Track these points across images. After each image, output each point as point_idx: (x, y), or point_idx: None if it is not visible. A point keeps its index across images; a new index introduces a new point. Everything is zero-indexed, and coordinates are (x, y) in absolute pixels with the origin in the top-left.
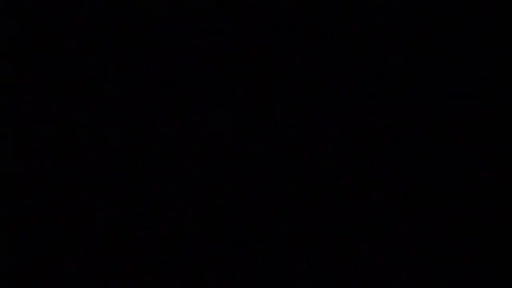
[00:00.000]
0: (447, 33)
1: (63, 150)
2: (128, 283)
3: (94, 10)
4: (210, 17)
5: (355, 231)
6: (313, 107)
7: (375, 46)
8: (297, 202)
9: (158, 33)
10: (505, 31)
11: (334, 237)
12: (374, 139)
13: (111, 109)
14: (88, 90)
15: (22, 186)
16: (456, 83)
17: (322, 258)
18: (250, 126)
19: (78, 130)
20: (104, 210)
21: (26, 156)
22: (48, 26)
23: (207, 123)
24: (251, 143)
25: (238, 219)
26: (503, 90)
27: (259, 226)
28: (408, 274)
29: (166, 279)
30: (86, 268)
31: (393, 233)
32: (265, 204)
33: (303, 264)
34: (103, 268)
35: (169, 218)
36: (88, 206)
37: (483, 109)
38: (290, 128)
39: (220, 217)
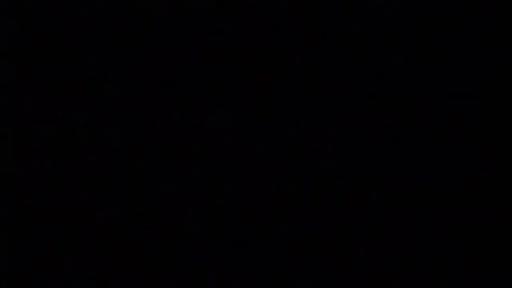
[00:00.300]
0: (447, 33)
1: (63, 150)
2: (128, 283)
3: (94, 10)
4: (210, 17)
5: (355, 231)
6: (313, 107)
7: (375, 46)
8: (297, 202)
9: (158, 33)
10: (505, 31)
11: (334, 237)
12: (374, 139)
13: (111, 109)
14: (88, 90)
15: (22, 186)
16: (456, 83)
17: (322, 258)
18: (250, 126)
19: (78, 130)
20: (104, 210)
21: (26, 156)
22: (48, 26)
23: (207, 123)
24: (251, 143)
25: (238, 219)
26: (503, 90)
27: (259, 226)
28: (408, 274)
29: (166, 279)
30: (86, 268)
31: (393, 233)
32: (265, 204)
33: (303, 264)
34: (103, 268)
35: (169, 218)
36: (88, 206)
37: (483, 109)
38: (290, 128)
39: (220, 217)
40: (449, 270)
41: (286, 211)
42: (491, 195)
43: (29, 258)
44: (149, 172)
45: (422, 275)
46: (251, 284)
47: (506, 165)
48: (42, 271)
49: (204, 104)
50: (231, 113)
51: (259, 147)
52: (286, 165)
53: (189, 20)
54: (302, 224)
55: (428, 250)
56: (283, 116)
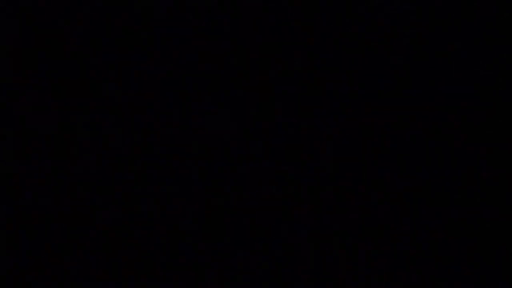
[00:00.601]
0: (447, 33)
1: (63, 150)
2: (128, 283)
3: (94, 10)
4: (210, 17)
5: (355, 231)
6: (313, 107)
7: (375, 46)
8: (297, 202)
9: (158, 33)
10: (505, 31)
11: (334, 237)
12: (374, 139)
13: (111, 109)
14: (88, 90)
15: (22, 186)
16: (456, 83)
17: (322, 258)
18: (250, 126)
19: (78, 130)
20: (104, 210)
21: (26, 156)
22: (48, 26)
23: (207, 123)
24: (251, 143)
25: (238, 219)
26: (503, 90)
27: (259, 226)
28: (408, 274)
29: (166, 279)
30: (86, 268)
31: (393, 233)
32: (265, 204)
33: (303, 264)
34: (103, 268)
35: (169, 218)
36: (88, 206)
37: (483, 109)
38: (290, 128)
39: (220, 217)
40: (449, 270)
41: (286, 211)
42: (491, 195)
43: (29, 258)
44: (149, 172)
45: (422, 275)
46: (251, 284)
47: (506, 165)
48: (42, 271)
49: (204, 104)
50: (231, 113)
51: (259, 147)
52: (286, 165)
53: (189, 20)
54: (302, 224)
55: (428, 250)
56: (283, 116)
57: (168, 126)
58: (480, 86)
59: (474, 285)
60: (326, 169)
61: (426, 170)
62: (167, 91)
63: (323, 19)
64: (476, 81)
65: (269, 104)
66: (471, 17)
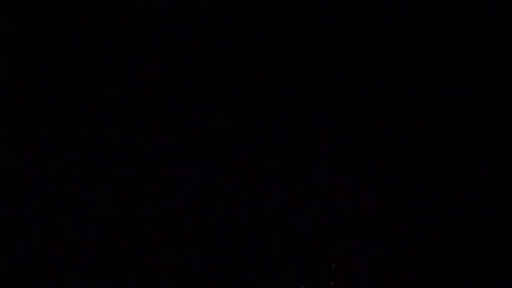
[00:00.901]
0: (447, 33)
1: (63, 150)
2: (128, 283)
3: (94, 10)
4: (210, 17)
5: (355, 231)
6: (313, 107)
7: (375, 46)
8: (297, 202)
9: (158, 33)
10: (505, 31)
11: (334, 237)
12: (374, 139)
13: (111, 109)
14: (88, 90)
15: (22, 186)
16: (456, 83)
17: (322, 258)
18: (250, 126)
19: (78, 130)
20: (104, 210)
21: (26, 156)
22: (48, 26)
23: (207, 123)
24: (251, 143)
25: (237, 219)
26: (503, 90)
27: (258, 226)
28: (408, 274)
29: (166, 279)
30: (86, 268)
31: (393, 233)
32: (264, 203)
33: (302, 264)
34: (103, 268)
35: (169, 218)
36: (88, 206)
37: (483, 109)
38: (290, 128)
39: (219, 217)
40: (449, 270)
41: (285, 211)
42: (491, 195)
43: (29, 258)
44: (149, 172)
45: (422, 275)
46: (250, 283)
47: (506, 165)
48: (42, 271)
49: (204, 104)
50: (231, 113)
51: (259, 146)
52: (286, 165)
53: (189, 20)
54: (302, 224)
55: (428, 250)
56: (283, 116)
57: (168, 126)
58: (480, 86)
59: (474, 285)
60: (325, 169)
61: (426, 170)
62: (167, 91)
63: (323, 19)
64: (476, 81)
65: (269, 104)
66: (471, 17)
